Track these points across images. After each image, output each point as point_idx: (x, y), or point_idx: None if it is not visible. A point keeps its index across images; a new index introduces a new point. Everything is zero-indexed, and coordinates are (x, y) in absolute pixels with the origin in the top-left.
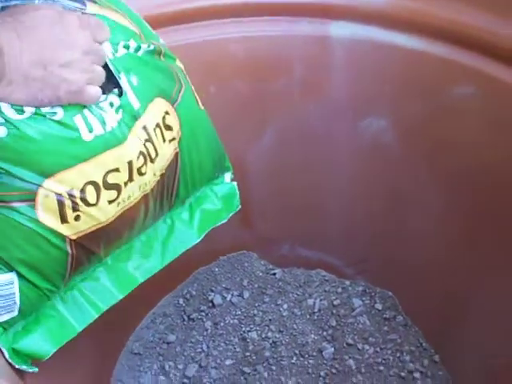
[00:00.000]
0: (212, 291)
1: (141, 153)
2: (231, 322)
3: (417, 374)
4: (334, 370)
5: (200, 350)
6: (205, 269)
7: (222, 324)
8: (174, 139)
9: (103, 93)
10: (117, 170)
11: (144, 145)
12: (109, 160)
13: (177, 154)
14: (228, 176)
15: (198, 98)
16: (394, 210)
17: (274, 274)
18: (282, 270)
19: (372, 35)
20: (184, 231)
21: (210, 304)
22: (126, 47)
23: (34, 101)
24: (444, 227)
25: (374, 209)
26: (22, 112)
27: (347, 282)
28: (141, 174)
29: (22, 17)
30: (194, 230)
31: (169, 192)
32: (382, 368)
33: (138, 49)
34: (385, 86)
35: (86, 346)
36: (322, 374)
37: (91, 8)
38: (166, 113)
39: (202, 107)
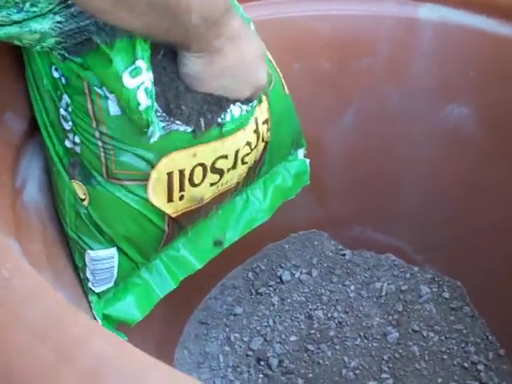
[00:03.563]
0: (281, 267)
1: (247, 143)
2: (298, 299)
3: (480, 367)
4: (397, 355)
5: (266, 324)
6: (275, 245)
7: (289, 300)
8: (269, 130)
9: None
10: (225, 156)
11: (252, 135)
12: (221, 147)
13: (267, 142)
14: (301, 152)
15: (284, 82)
16: (469, 199)
17: (344, 254)
18: (352, 252)
19: (461, 20)
20: (257, 207)
21: (279, 280)
22: None
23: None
24: None
25: (448, 196)
26: None
27: (416, 269)
28: (244, 163)
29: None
30: (266, 207)
31: (253, 174)
32: (445, 357)
33: None
34: (471, 73)
35: (154, 313)
36: (385, 357)
37: None
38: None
39: (287, 92)
